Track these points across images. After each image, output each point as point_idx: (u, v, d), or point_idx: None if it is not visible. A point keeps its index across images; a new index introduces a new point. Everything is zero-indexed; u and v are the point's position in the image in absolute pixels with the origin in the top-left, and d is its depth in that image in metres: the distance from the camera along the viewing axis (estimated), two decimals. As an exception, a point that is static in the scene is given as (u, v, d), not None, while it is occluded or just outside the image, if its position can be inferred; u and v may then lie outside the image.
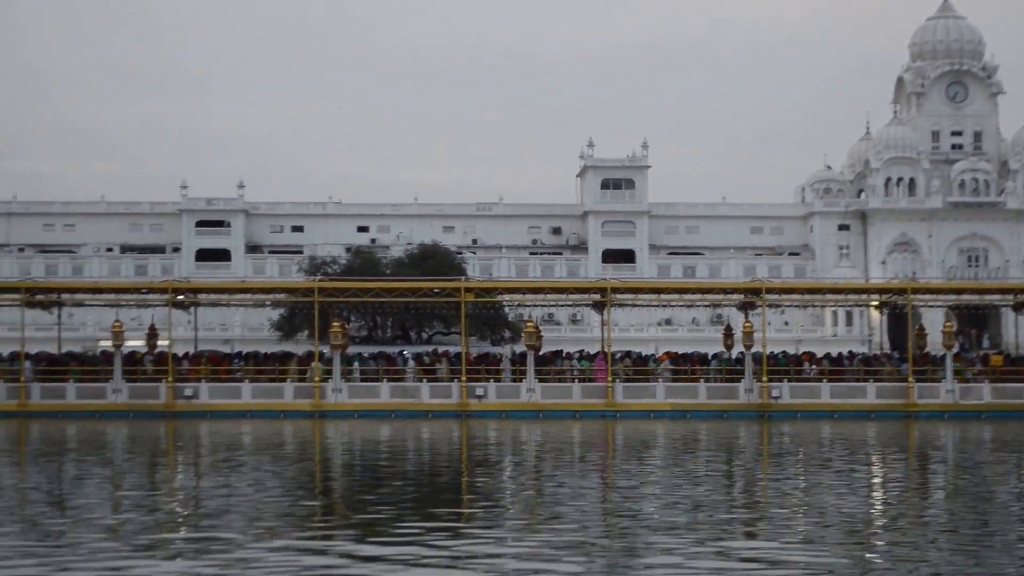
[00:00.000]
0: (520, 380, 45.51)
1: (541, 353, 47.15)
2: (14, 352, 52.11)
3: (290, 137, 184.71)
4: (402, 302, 55.55)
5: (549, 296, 53.65)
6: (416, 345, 69.28)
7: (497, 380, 46.31)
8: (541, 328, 49.62)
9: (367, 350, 56.53)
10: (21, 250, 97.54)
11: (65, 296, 55.64)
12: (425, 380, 46.16)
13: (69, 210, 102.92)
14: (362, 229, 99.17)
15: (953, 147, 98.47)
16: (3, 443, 34.93)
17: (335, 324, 46.27)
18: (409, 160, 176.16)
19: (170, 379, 47.25)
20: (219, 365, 49.29)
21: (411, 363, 48.53)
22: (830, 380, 44.99)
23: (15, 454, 29.91)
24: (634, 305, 54.67)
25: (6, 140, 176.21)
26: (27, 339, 51.20)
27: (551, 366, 47.32)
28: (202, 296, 53.63)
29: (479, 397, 44.92)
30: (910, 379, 44.16)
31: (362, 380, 47.59)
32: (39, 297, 54.44)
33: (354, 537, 14.46)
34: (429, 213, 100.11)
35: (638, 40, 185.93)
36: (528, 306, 62.73)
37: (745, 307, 48.56)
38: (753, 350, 44.88)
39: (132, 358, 49.82)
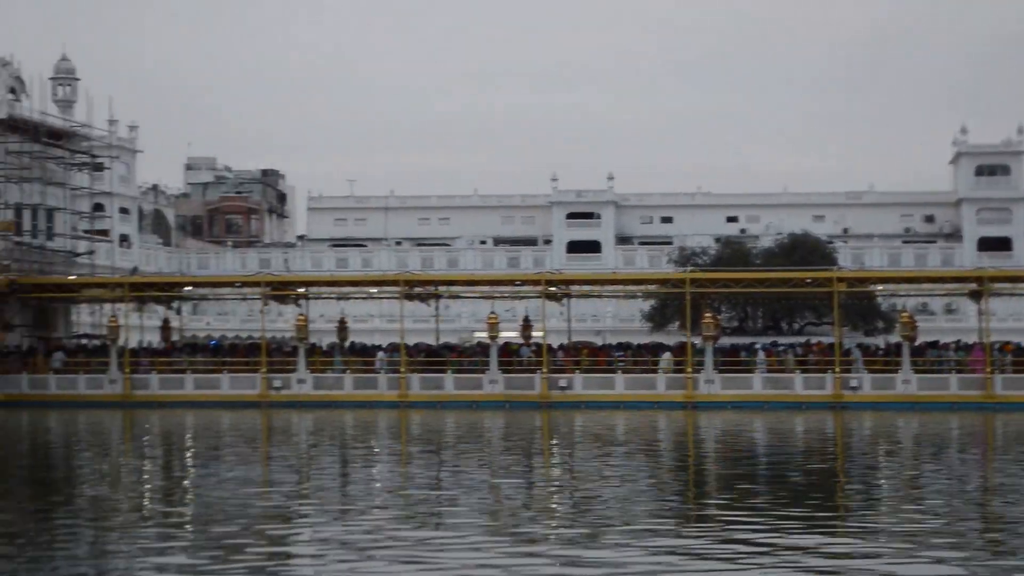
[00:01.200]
0: (896, 371, 45.28)
1: (916, 344, 47.02)
2: (393, 343, 54.95)
3: (655, 129, 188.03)
4: (773, 292, 56.69)
5: (923, 286, 53.90)
6: (787, 336, 69.75)
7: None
8: (915, 318, 49.42)
9: (738, 341, 57.02)
10: (398, 244, 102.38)
11: (442, 288, 58.22)
12: (799, 372, 46.30)
13: (443, 204, 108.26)
14: (731, 219, 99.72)
15: None
16: (389, 433, 36.53)
17: (707, 315, 46.93)
18: (778, 149, 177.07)
19: (545, 370, 48.70)
20: (596, 356, 50.58)
21: (761, 355, 48.65)
22: None
23: (396, 444, 31.20)
24: (1012, 294, 54.15)
25: (383, 135, 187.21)
26: (406, 331, 54.08)
27: (924, 356, 47.16)
28: (574, 288, 55.05)
29: (853, 388, 44.84)
30: None
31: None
32: (417, 290, 57.62)
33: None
34: (799, 202, 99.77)
35: (1017, 27, 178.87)
36: (901, 296, 62.11)
37: None
38: None
39: (507, 349, 51.44)
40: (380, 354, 53.96)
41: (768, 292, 55.78)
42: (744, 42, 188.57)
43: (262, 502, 17.97)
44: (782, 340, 58.81)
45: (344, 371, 49.51)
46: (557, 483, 20.78)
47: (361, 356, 51.92)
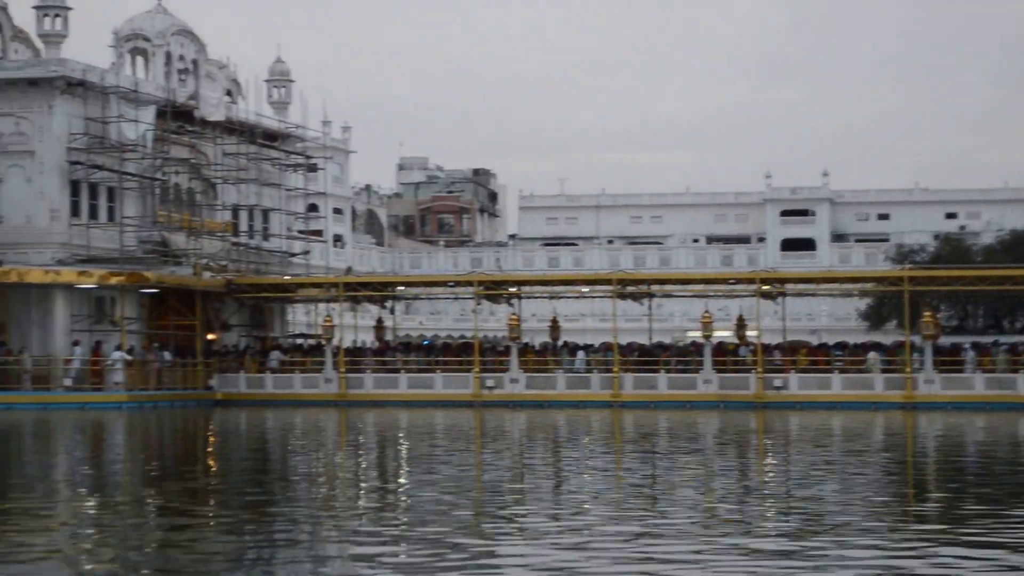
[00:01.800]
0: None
1: None
2: (606, 343, 55.60)
3: (874, 124, 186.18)
4: (995, 291, 56.61)
5: None
6: (1009, 335, 68.90)
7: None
8: None
9: (959, 340, 56.98)
10: (610, 242, 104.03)
11: (654, 287, 58.90)
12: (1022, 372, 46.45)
13: (655, 202, 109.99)
14: (950, 216, 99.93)
15: None
16: (602, 432, 36.32)
17: (926, 314, 47.30)
18: (998, 143, 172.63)
19: (760, 369, 49.09)
20: (815, 356, 51.13)
21: (971, 354, 48.55)
22: None
23: (611, 443, 31.14)
24: None
25: (594, 134, 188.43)
26: (618, 330, 54.36)
27: None
28: (788, 286, 55.30)
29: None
30: None
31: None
32: (629, 288, 57.69)
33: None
34: (1021, 198, 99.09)
35: None
36: None
37: None
38: None
39: (722, 348, 51.85)
40: (580, 353, 54.68)
41: (989, 290, 55.67)
42: (962, 35, 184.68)
43: (477, 501, 18.25)
44: (1004, 339, 58.25)
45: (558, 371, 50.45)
46: (775, 483, 20.57)
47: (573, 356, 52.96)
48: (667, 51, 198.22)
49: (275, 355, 56.82)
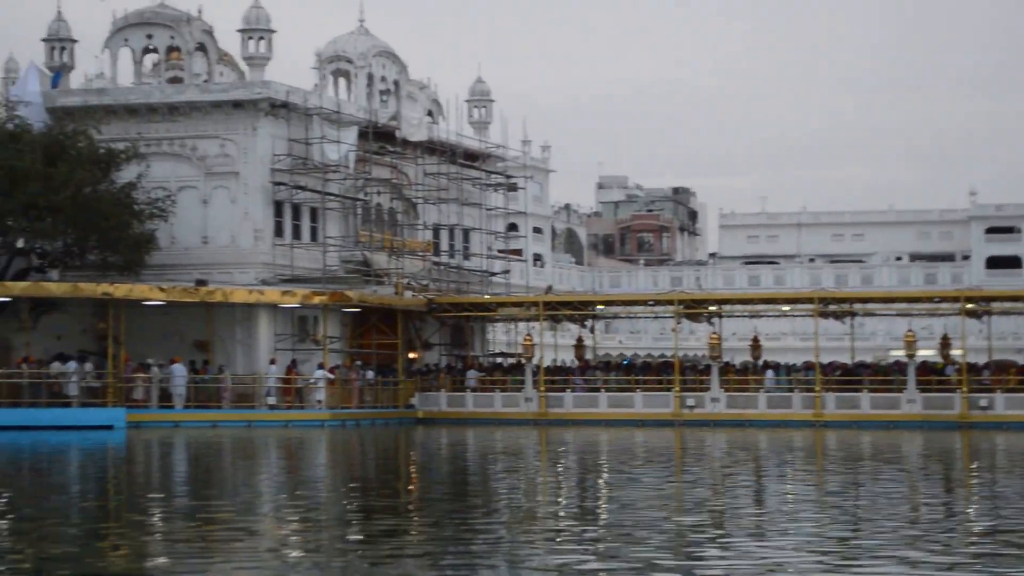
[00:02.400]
0: None
1: None
2: (807, 362, 55.18)
3: None
4: None
5: None
6: None
7: None
8: None
9: None
10: (811, 260, 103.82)
11: (857, 306, 57.47)
12: None
13: (858, 219, 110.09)
14: None
15: None
16: (805, 452, 36.39)
17: None
18: None
19: (965, 389, 48.51)
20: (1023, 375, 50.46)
21: None
22: None
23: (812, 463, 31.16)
24: None
25: (795, 150, 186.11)
26: (820, 348, 54.05)
27: None
28: (994, 304, 54.66)
29: None
30: None
31: None
32: (831, 307, 57.16)
33: None
34: None
35: None
36: None
37: None
38: None
39: (926, 367, 51.69)
40: (768, 373, 54.53)
41: None
42: None
43: (678, 520, 18.04)
44: None
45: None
46: (979, 506, 19.94)
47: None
48: (868, 63, 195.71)
49: (471, 374, 57.02)
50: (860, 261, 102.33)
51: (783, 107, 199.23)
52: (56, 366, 51.60)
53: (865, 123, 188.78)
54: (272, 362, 54.07)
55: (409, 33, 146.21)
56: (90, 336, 55.07)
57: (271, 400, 52.89)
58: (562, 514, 19.45)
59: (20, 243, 56.84)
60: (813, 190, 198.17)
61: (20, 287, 53.36)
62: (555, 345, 63.39)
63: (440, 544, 15.58)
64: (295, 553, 15.13)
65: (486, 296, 63.94)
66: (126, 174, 55.78)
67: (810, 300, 58.44)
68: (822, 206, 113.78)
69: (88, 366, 52.02)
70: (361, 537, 17.09)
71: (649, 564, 13.36)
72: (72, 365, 51.42)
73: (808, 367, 54.59)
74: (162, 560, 15.11)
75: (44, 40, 63.14)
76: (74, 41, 62.62)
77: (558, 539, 15.78)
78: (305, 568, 13.94)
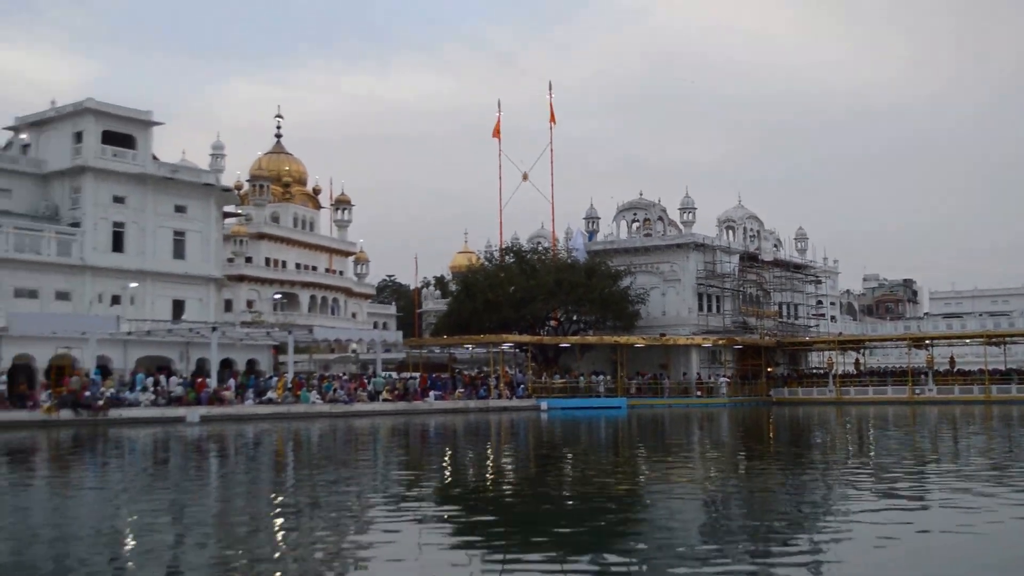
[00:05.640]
0: None
1: None
2: (980, 368, 62.74)
3: None
4: None
5: None
6: None
7: None
8: None
9: None
10: (980, 315, 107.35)
11: (1008, 339, 64.67)
12: None
13: (1007, 293, 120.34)
14: None
15: None
16: (982, 417, 37.80)
17: None
18: None
19: None
20: None
21: None
22: None
23: None
24: None
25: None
26: (988, 361, 60.23)
27: None
28: None
29: None
30: None
31: None
32: (993, 340, 63.58)
33: None
34: None
35: None
36: None
37: None
38: None
39: None
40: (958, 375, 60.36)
41: None
42: None
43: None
44: None
45: None
46: None
47: None
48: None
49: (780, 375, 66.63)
50: (1006, 314, 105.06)
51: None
52: (594, 379, 62.47)
53: None
54: (684, 374, 65.97)
55: (765, 199, 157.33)
56: (607, 363, 65.89)
57: (698, 394, 63.63)
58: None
59: (574, 318, 70.95)
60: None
61: (573, 339, 66.26)
62: (843, 362, 70.68)
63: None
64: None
65: (807, 338, 74.66)
66: (624, 283, 70.62)
67: (981, 335, 66.06)
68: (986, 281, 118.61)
69: (608, 378, 62.79)
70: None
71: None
72: (600, 378, 62.42)
73: (981, 371, 62.29)
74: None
75: (584, 218, 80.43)
76: (597, 218, 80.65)
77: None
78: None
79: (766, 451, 24.20)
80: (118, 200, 60.08)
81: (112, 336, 50.69)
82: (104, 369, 48.11)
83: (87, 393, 41.95)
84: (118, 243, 59.68)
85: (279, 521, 12.51)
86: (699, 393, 62.94)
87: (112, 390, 44.17)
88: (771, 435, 30.98)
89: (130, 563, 9.81)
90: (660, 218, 77.02)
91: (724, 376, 65.28)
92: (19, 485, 18.17)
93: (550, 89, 78.92)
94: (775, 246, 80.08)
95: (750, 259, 75.29)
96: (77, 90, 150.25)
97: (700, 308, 72.24)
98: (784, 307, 79.45)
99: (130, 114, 61.25)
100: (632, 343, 64.14)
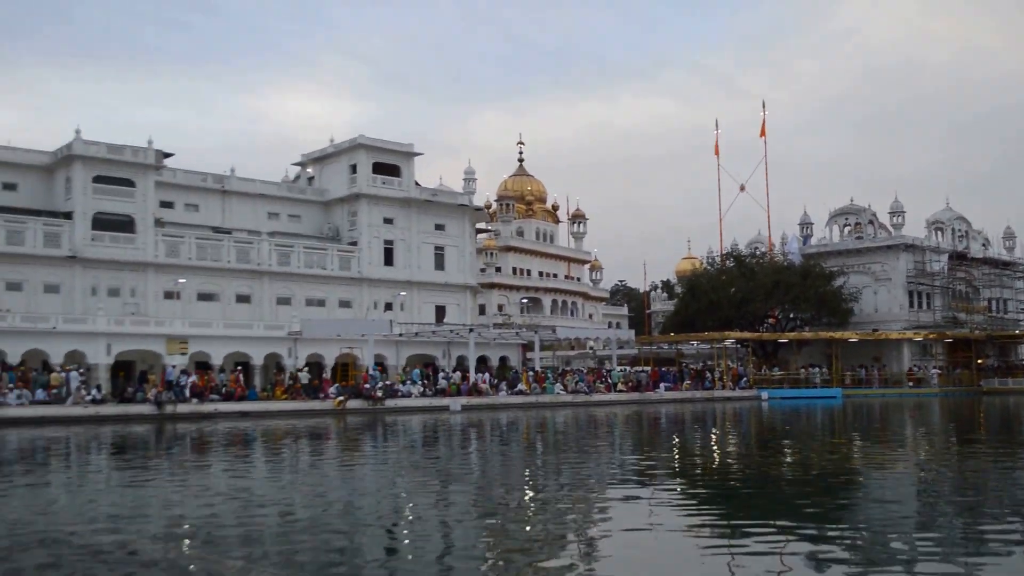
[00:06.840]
0: None
1: None
2: None
3: None
4: None
5: None
6: None
7: None
8: None
9: None
10: None
11: None
12: None
13: None
14: None
15: None
16: None
17: None
18: None
19: None
20: None
21: None
22: None
23: None
24: None
25: None
26: None
27: None
28: None
29: None
30: None
31: None
32: None
33: None
34: None
35: None
36: None
37: None
38: None
39: None
40: None
41: None
42: None
43: None
44: None
45: None
46: None
47: None
48: None
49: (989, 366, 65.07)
50: None
51: None
52: (810, 371, 61.96)
53: None
54: (909, 369, 65.10)
55: (973, 201, 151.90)
56: (823, 357, 65.68)
57: (909, 384, 62.46)
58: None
59: (791, 315, 71.98)
60: None
61: (791, 335, 66.21)
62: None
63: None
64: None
65: (1016, 331, 73.24)
66: (837, 282, 71.44)
67: None
68: None
69: (824, 370, 62.55)
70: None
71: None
72: (816, 370, 62.56)
73: None
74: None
75: (799, 224, 79.93)
76: (811, 223, 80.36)
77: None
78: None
79: (978, 437, 24.60)
80: (387, 221, 66.69)
81: (386, 337, 56.10)
82: (380, 366, 52.76)
83: (367, 385, 46.50)
84: (389, 258, 66.28)
85: (537, 484, 14.75)
86: (911, 384, 63.16)
87: (389, 382, 48.47)
88: (981, 422, 31.54)
89: (424, 517, 11.93)
90: (871, 222, 77.38)
91: (935, 367, 65.40)
92: (329, 460, 21.00)
93: (763, 108, 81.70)
94: (983, 245, 79.61)
95: (959, 258, 75.34)
96: (351, 129, 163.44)
97: (911, 305, 72.73)
98: (993, 302, 78.83)
99: (395, 147, 67.62)
100: (846, 338, 64.82)
